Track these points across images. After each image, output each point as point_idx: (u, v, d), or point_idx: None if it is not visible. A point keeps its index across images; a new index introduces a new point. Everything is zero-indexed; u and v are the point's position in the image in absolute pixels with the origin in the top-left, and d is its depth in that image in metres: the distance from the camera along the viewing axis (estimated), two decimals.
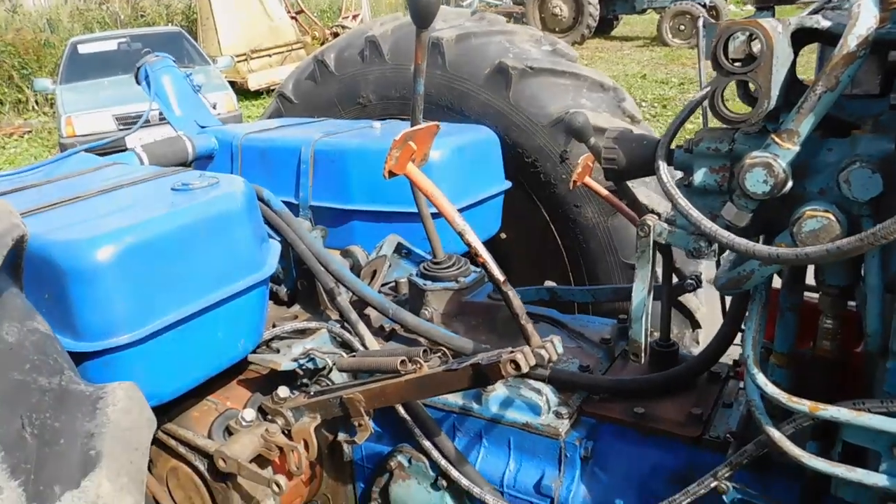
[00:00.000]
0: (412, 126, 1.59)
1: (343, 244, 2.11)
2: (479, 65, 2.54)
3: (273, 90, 13.12)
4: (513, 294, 1.27)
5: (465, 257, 1.83)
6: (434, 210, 1.98)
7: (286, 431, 1.50)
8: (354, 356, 1.50)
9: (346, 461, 1.73)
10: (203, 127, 2.73)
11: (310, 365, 1.60)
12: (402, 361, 1.28)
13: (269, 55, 13.56)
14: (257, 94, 12.72)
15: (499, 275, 1.25)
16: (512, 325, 1.68)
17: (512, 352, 1.11)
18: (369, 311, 1.81)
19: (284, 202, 1.87)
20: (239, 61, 12.25)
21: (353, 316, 1.69)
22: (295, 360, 1.59)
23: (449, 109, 2.61)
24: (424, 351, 1.33)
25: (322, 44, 14.07)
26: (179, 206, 1.51)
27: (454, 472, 1.47)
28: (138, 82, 2.90)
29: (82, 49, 10.38)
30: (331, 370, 1.56)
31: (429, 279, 1.76)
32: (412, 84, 1.60)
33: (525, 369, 1.07)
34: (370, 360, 1.36)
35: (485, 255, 1.25)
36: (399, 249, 2.06)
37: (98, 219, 1.46)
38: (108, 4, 16.65)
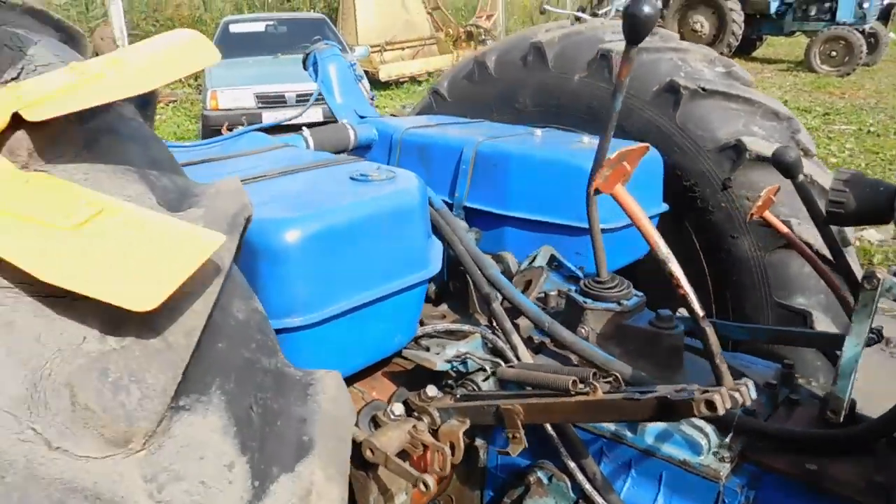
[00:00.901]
0: (602, 143, 1.55)
1: (492, 249, 2.10)
2: (647, 81, 2.46)
3: (403, 83, 13.48)
4: (711, 331, 1.21)
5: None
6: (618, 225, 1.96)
7: (432, 430, 1.51)
8: (516, 367, 1.48)
9: (479, 466, 1.72)
10: (362, 117, 2.80)
11: (462, 368, 1.60)
12: (574, 382, 1.25)
13: (403, 48, 13.87)
14: (386, 85, 13.04)
15: (699, 309, 1.20)
16: (675, 358, 1.62)
17: (706, 391, 1.05)
18: (519, 320, 1.79)
19: None
20: (373, 52, 12.60)
21: (508, 325, 1.68)
22: (448, 361, 1.59)
23: None
24: (594, 374, 1.29)
25: (455, 41, 14.26)
26: (361, 196, 1.54)
27: (598, 499, 1.43)
28: (305, 67, 3.01)
29: (233, 28, 11.02)
30: (487, 377, 1.55)
31: (589, 297, 1.72)
32: (611, 100, 1.56)
33: (721, 412, 1.01)
34: (537, 375, 1.34)
35: (686, 287, 1.19)
36: (551, 261, 2.02)
37: (285, 200, 1.51)
38: None
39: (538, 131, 2.44)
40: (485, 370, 1.59)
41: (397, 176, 1.67)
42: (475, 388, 1.60)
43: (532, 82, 2.86)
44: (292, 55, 9.99)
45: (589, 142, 2.26)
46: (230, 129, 2.64)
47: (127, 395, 0.67)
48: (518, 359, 1.62)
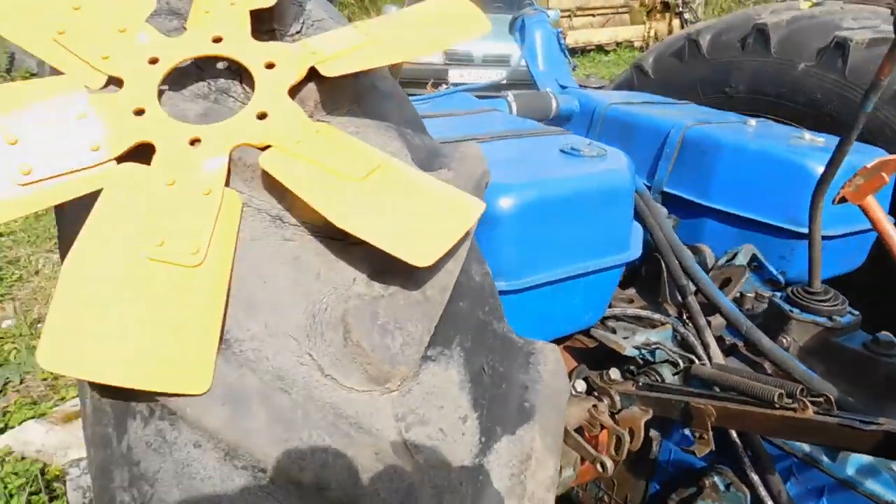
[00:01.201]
0: (842, 147, 1.42)
1: (687, 238, 2.01)
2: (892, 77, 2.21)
3: (589, 50, 13.11)
4: None
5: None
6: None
7: (611, 413, 1.51)
8: (713, 367, 1.43)
9: (650, 457, 1.70)
10: (563, 87, 2.77)
11: (649, 357, 1.57)
12: (781, 395, 1.19)
13: (593, 15, 13.42)
14: (572, 53, 12.72)
15: None
16: (892, 389, 1.48)
17: None
18: (712, 317, 1.72)
19: None
20: (562, 17, 12.33)
21: (702, 321, 1.62)
22: (637, 347, 1.57)
23: (835, 122, 2.32)
24: (802, 390, 1.21)
25: (649, 12, 13.57)
26: (574, 171, 1.54)
27: None
28: (511, 31, 3.02)
29: None
30: (678, 371, 1.52)
31: (796, 307, 1.61)
32: (862, 99, 1.42)
33: None
34: (738, 380, 1.29)
35: None
36: (751, 262, 1.91)
37: (500, 166, 1.54)
38: None
39: (752, 121, 2.28)
40: (673, 363, 1.56)
41: (608, 154, 1.65)
42: (659, 379, 1.57)
43: (748, 67, 2.67)
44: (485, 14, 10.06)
45: (810, 138, 2.08)
46: (435, 87, 2.72)
47: (392, 339, 0.73)
48: (709, 357, 1.57)
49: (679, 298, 1.71)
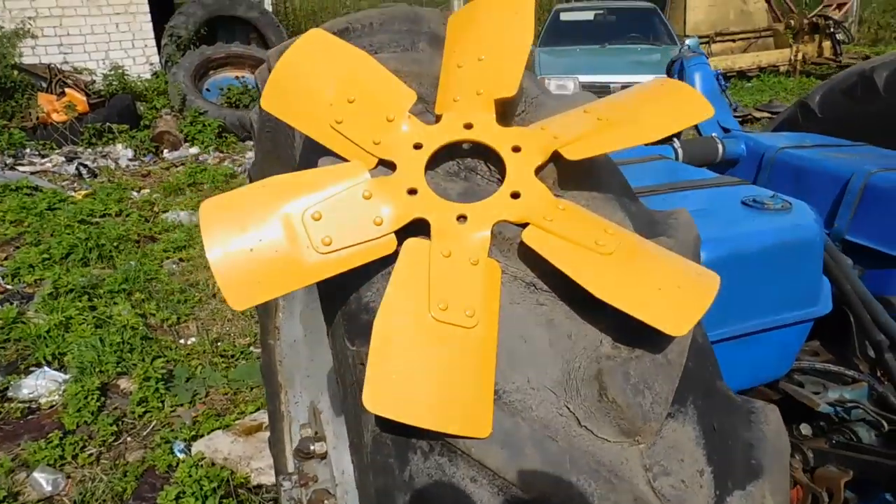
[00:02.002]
0: None
1: (873, 289, 1.95)
2: None
3: (730, 76, 12.66)
4: None
5: None
6: None
7: (804, 470, 1.49)
8: None
9: None
10: (725, 130, 2.76)
11: (845, 415, 1.54)
12: None
13: (734, 40, 12.97)
14: None
15: None
16: None
17: None
18: None
19: None
20: (701, 43, 12.02)
21: None
22: (831, 404, 1.55)
23: None
24: None
25: (796, 34, 12.91)
26: (760, 225, 1.56)
27: None
28: (670, 73, 3.05)
29: (563, 17, 11.36)
30: (881, 433, 1.48)
31: None
32: None
33: None
34: None
35: None
36: None
37: None
38: None
39: None
40: (872, 424, 1.52)
41: (794, 207, 1.65)
42: (855, 438, 1.54)
43: None
44: (620, 45, 10.01)
45: None
46: None
47: (643, 397, 0.82)
48: None
49: (871, 354, 1.67)
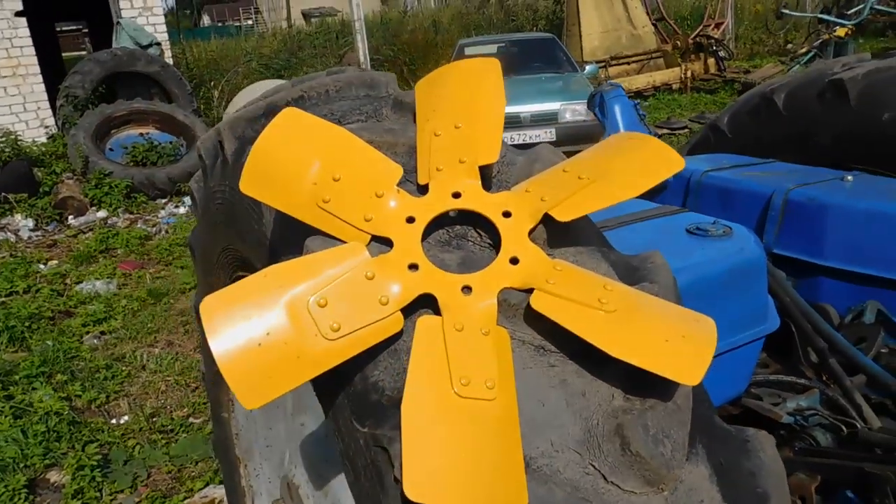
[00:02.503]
0: None
1: (805, 298, 2.09)
2: None
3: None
4: None
5: None
6: None
7: None
8: (883, 430, 1.50)
9: None
10: None
11: (804, 422, 1.64)
12: None
13: (629, 63, 13.72)
14: None
15: None
16: None
17: None
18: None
19: None
20: (599, 67, 12.64)
21: (848, 382, 1.69)
22: (791, 414, 1.64)
23: None
24: None
25: (683, 54, 13.79)
26: (707, 253, 1.65)
27: None
28: (590, 107, 3.20)
29: (468, 51, 11.68)
30: (843, 438, 1.58)
31: None
32: None
33: None
34: None
35: None
36: (877, 318, 1.97)
37: None
38: (485, 9, 18.37)
39: (849, 176, 2.37)
40: (827, 427, 1.62)
41: (734, 231, 1.76)
42: (814, 443, 1.64)
43: (829, 122, 2.77)
44: (525, 75, 10.36)
45: None
46: None
47: (664, 447, 0.85)
48: (863, 419, 1.63)
49: (815, 360, 1.78)
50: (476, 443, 0.80)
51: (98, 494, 3.50)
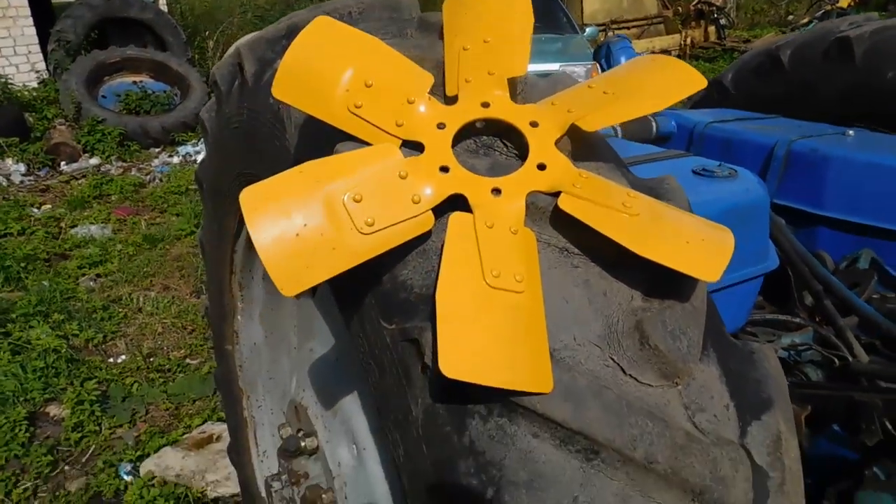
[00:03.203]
0: None
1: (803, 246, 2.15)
2: None
3: None
4: None
5: None
6: None
7: None
8: (875, 363, 1.56)
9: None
10: None
11: (797, 358, 1.70)
12: None
13: (629, 27, 13.59)
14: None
15: None
16: None
17: None
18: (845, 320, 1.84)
19: None
20: (600, 31, 12.52)
21: (841, 322, 1.75)
22: (785, 350, 1.71)
23: None
24: None
25: (683, 21, 13.68)
26: (714, 193, 1.69)
27: None
28: (597, 59, 3.20)
29: None
30: (832, 372, 1.65)
31: None
32: None
33: None
34: None
35: None
36: (871, 266, 2.03)
37: None
38: None
39: (850, 131, 2.41)
40: (818, 363, 1.69)
41: (739, 173, 1.80)
42: (805, 378, 1.70)
43: (833, 79, 2.79)
44: None
45: None
46: None
47: (680, 343, 0.89)
48: (853, 356, 1.69)
49: (809, 303, 1.84)
50: (506, 328, 0.84)
51: (97, 428, 3.56)
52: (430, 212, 0.94)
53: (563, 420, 0.83)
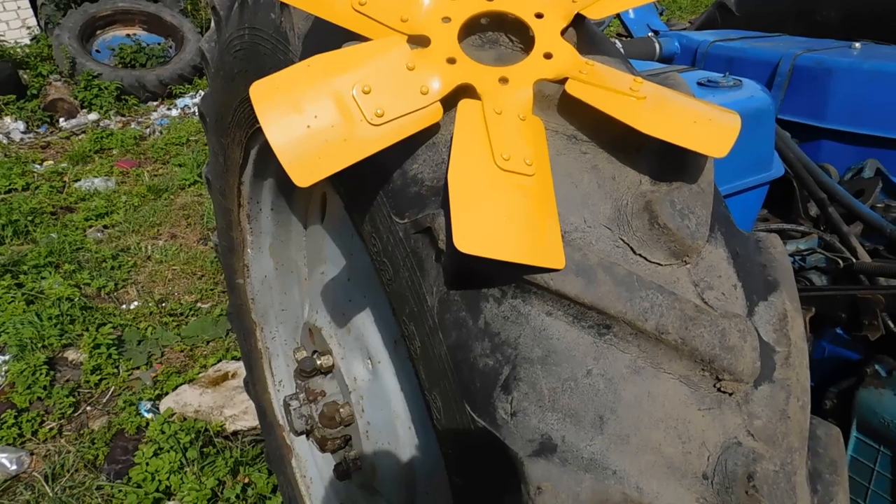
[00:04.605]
0: None
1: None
2: None
3: None
4: None
5: None
6: None
7: None
8: (877, 262, 1.59)
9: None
10: (654, 31, 2.90)
11: (802, 263, 1.73)
12: None
13: None
14: None
15: None
16: None
17: None
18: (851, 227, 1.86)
19: None
20: None
21: (846, 228, 1.77)
22: (791, 255, 1.73)
23: None
24: None
25: None
26: (720, 100, 1.69)
27: None
28: None
29: None
30: (845, 269, 1.67)
31: None
32: None
33: None
34: None
35: None
36: (876, 175, 2.04)
37: None
38: None
39: (857, 44, 2.38)
40: (822, 270, 1.71)
41: (744, 83, 1.79)
42: (809, 283, 1.73)
43: None
44: None
45: None
46: None
47: (688, 221, 0.91)
48: (857, 259, 1.72)
49: (815, 212, 1.86)
50: (519, 207, 0.86)
51: (115, 370, 3.64)
52: (439, 103, 0.95)
53: (576, 295, 0.86)
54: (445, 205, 0.90)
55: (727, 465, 0.87)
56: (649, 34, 2.75)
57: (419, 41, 1.02)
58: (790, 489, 0.86)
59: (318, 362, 1.83)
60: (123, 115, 8.60)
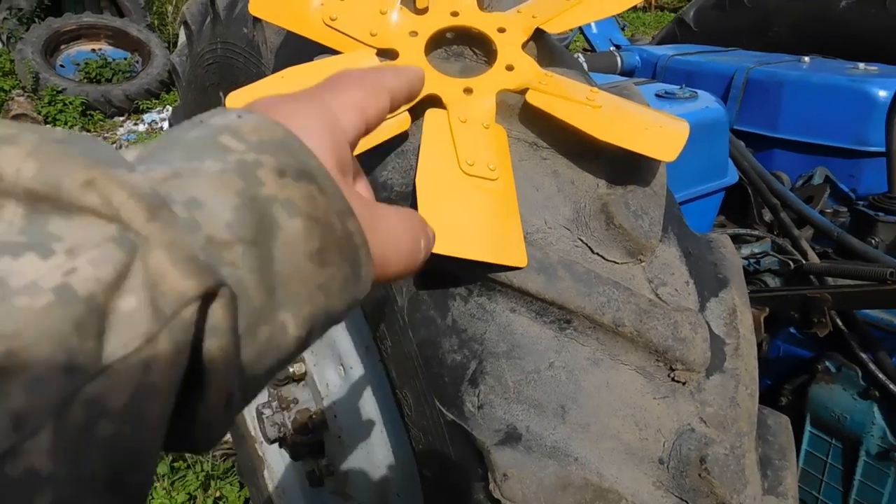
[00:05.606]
0: None
1: None
2: None
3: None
4: None
5: None
6: None
7: None
8: (825, 262, 1.67)
9: (759, 356, 1.94)
10: (616, 45, 3.00)
11: (756, 266, 1.81)
12: (892, 273, 1.43)
13: None
14: None
15: None
16: None
17: None
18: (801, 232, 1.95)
19: None
20: None
21: (797, 232, 1.85)
22: (745, 258, 1.81)
23: (881, 53, 2.54)
24: None
25: None
26: (677, 111, 1.77)
27: (892, 386, 1.60)
28: None
29: None
30: (788, 277, 1.76)
31: (880, 211, 1.84)
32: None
33: None
34: (848, 267, 1.53)
35: None
36: (825, 182, 2.14)
37: None
38: None
39: (806, 58, 2.50)
40: (775, 272, 1.80)
41: (699, 94, 1.88)
42: (763, 285, 1.81)
43: (790, 11, 2.88)
44: None
45: (864, 67, 2.31)
46: None
47: (642, 221, 0.97)
48: (807, 260, 1.80)
49: (769, 217, 1.95)
50: (483, 210, 0.91)
51: None
52: (407, 113, 1.00)
53: (538, 291, 0.91)
54: (414, 208, 0.95)
55: (681, 450, 0.93)
56: (612, 48, 2.85)
57: (388, 54, 1.07)
58: (739, 470, 0.92)
59: (291, 370, 1.86)
60: (89, 131, 8.48)
